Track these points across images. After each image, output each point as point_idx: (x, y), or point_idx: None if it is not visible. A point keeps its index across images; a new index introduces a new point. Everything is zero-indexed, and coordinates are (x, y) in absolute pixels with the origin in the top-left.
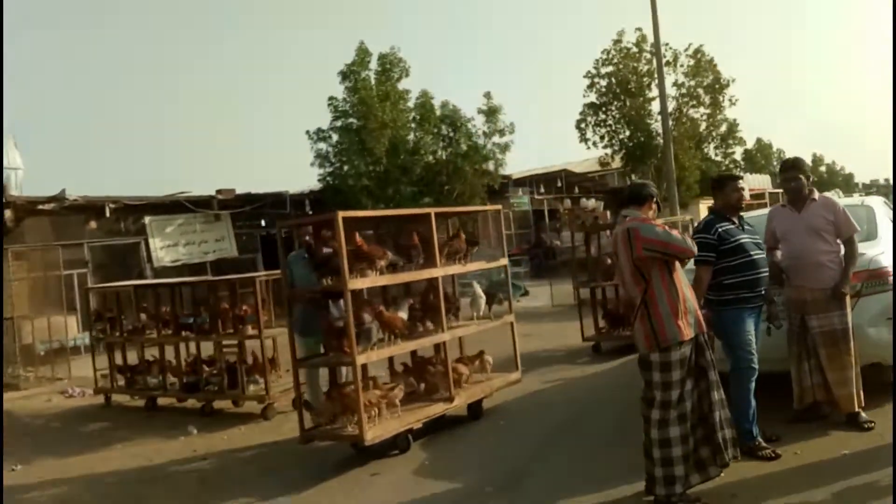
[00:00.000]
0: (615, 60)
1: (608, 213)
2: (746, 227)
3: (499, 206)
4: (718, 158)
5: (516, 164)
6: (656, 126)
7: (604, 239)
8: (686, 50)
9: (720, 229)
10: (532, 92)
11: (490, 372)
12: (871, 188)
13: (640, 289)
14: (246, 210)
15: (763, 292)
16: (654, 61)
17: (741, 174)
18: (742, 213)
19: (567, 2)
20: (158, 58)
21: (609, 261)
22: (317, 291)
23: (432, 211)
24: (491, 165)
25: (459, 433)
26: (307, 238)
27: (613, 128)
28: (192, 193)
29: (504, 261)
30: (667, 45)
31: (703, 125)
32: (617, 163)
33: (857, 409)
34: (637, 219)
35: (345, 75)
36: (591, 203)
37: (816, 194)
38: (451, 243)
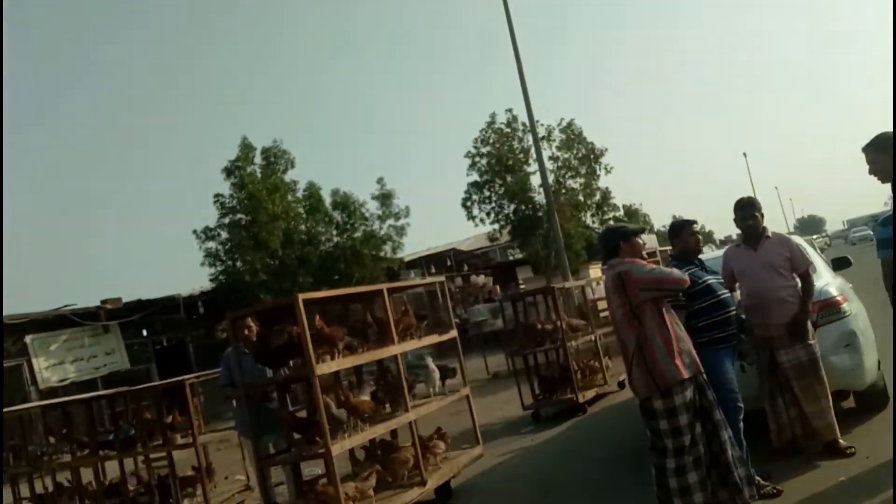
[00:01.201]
0: (491, 140)
1: (497, 287)
2: (708, 268)
3: (442, 278)
4: (595, 225)
5: (406, 247)
6: (539, 199)
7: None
8: (559, 124)
9: (687, 273)
10: (416, 176)
11: (447, 450)
12: (726, 243)
13: (635, 332)
14: (135, 319)
15: (734, 331)
16: (529, 138)
17: (694, 219)
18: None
19: (442, 86)
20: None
21: (539, 326)
22: (277, 382)
23: (385, 287)
24: (389, 248)
25: None
26: (246, 331)
27: (498, 203)
28: (76, 306)
29: (453, 332)
30: (538, 121)
31: (580, 194)
32: (506, 237)
33: (837, 438)
34: (623, 262)
35: (229, 171)
36: (480, 279)
37: (770, 232)
38: (402, 319)
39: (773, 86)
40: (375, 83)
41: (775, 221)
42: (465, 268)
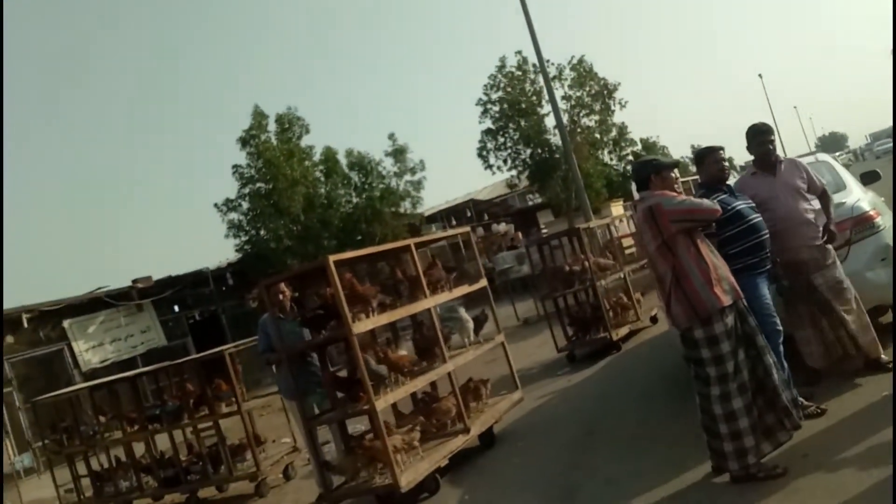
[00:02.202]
0: (503, 85)
1: (520, 234)
2: (738, 194)
3: (467, 229)
4: (614, 162)
5: (425, 201)
6: (555, 140)
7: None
8: (569, 62)
9: (715, 201)
10: (430, 130)
11: (489, 395)
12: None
13: (669, 265)
14: (167, 295)
15: (769, 255)
16: (540, 79)
17: (720, 145)
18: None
19: (448, 37)
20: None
21: (567, 268)
22: (318, 344)
23: (412, 241)
24: (408, 204)
25: (482, 464)
26: (280, 297)
27: (514, 149)
28: (109, 288)
29: (483, 281)
30: (548, 61)
31: (597, 132)
32: (524, 182)
33: (880, 353)
34: (654, 195)
35: (244, 141)
36: (502, 227)
37: (782, 156)
38: (431, 272)
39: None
40: (382, 38)
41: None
42: (486, 217)
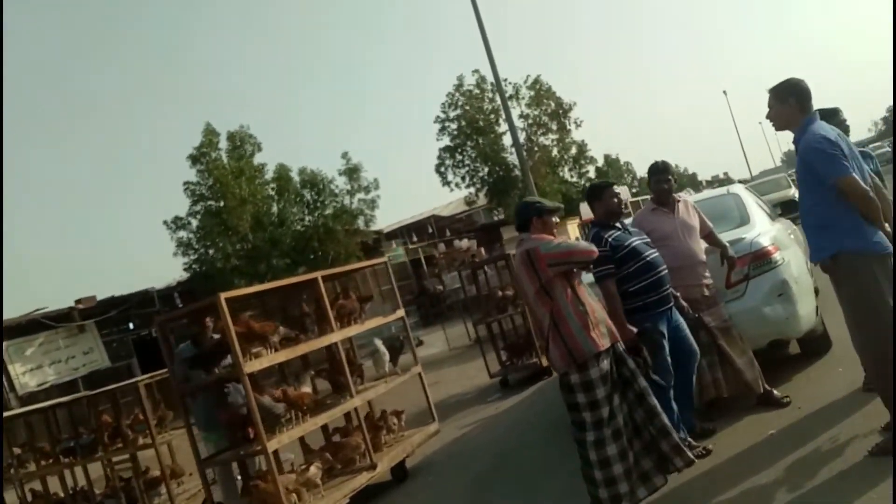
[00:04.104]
0: (460, 103)
1: (482, 249)
2: (632, 230)
3: (384, 259)
4: (574, 179)
5: (386, 217)
6: (512, 159)
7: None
8: (525, 82)
9: (610, 238)
10: (390, 146)
11: (403, 428)
12: (713, 183)
13: (548, 308)
14: (112, 315)
15: (668, 292)
16: (497, 98)
17: (613, 181)
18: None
19: (410, 53)
20: None
21: (500, 293)
22: (211, 383)
23: (319, 275)
24: (361, 223)
25: (388, 500)
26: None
27: (472, 167)
28: (49, 309)
29: (401, 312)
30: (506, 80)
31: (555, 150)
32: (482, 200)
33: (767, 388)
34: (531, 239)
35: (195, 159)
36: (464, 243)
37: (678, 197)
38: (343, 304)
39: (748, 20)
40: (337, 57)
41: (762, 157)
42: (448, 233)
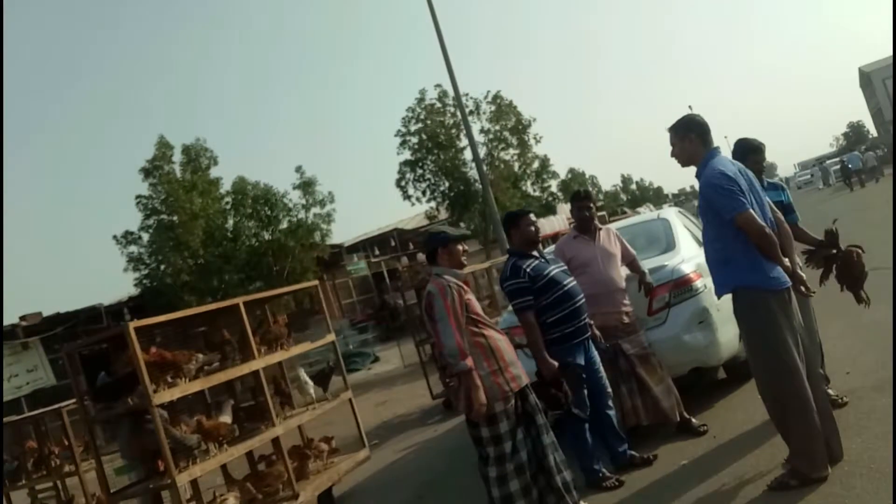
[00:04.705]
0: (422, 117)
1: None
2: (549, 258)
3: (315, 283)
4: (537, 193)
5: (349, 231)
6: (472, 173)
7: None
8: (486, 97)
9: (528, 269)
10: (356, 160)
11: (335, 454)
12: (679, 197)
13: None
14: (58, 332)
15: (585, 322)
16: (458, 113)
17: (530, 209)
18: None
19: (369, 66)
20: None
21: None
22: (122, 414)
23: (241, 300)
24: (318, 237)
25: None
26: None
27: (433, 181)
28: None
29: (331, 337)
30: (466, 94)
31: (517, 165)
32: (443, 214)
33: (686, 416)
34: (437, 280)
35: (147, 172)
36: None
37: (598, 223)
38: (269, 330)
39: (712, 36)
40: (300, 73)
41: None
42: (411, 246)
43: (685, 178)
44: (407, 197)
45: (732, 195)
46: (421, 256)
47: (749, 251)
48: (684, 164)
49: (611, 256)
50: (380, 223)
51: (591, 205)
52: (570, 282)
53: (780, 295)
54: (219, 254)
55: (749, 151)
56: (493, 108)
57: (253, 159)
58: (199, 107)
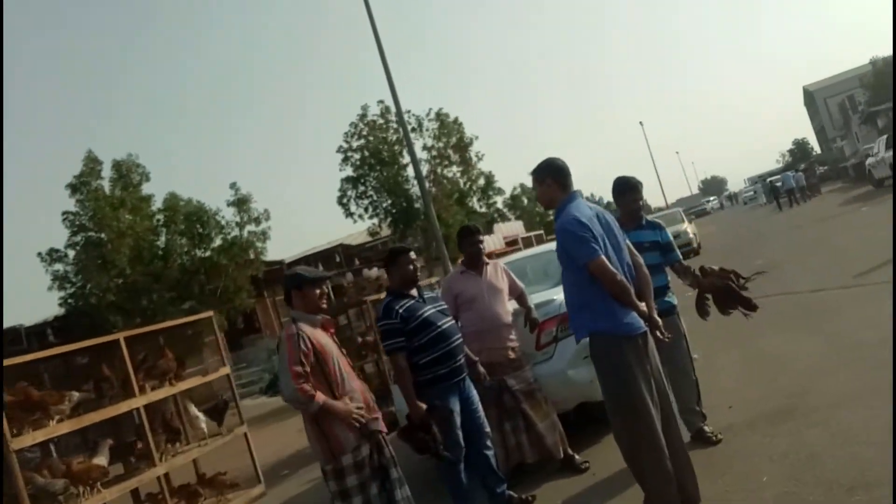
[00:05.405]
0: (364, 133)
1: None
2: (427, 296)
3: (210, 313)
4: (483, 210)
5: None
6: (415, 190)
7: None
8: (428, 115)
9: (401, 310)
10: (301, 174)
11: (231, 489)
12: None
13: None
14: None
15: (460, 364)
16: (401, 130)
17: (410, 246)
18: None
19: (311, 82)
20: None
21: (360, 339)
22: None
23: (121, 336)
24: (252, 255)
25: None
26: None
27: (375, 198)
28: None
29: (225, 370)
30: (409, 111)
31: (462, 182)
32: (385, 231)
33: (570, 453)
34: (288, 326)
35: (74, 188)
36: (373, 272)
37: (487, 259)
38: (156, 365)
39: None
40: (242, 88)
41: (678, 185)
42: (357, 262)
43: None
44: (349, 214)
45: (585, 242)
46: (367, 272)
47: (604, 297)
48: (545, 207)
49: (497, 291)
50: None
51: (481, 238)
52: (446, 322)
53: (633, 341)
54: (148, 272)
55: (625, 190)
56: (436, 125)
57: (191, 176)
58: (133, 122)
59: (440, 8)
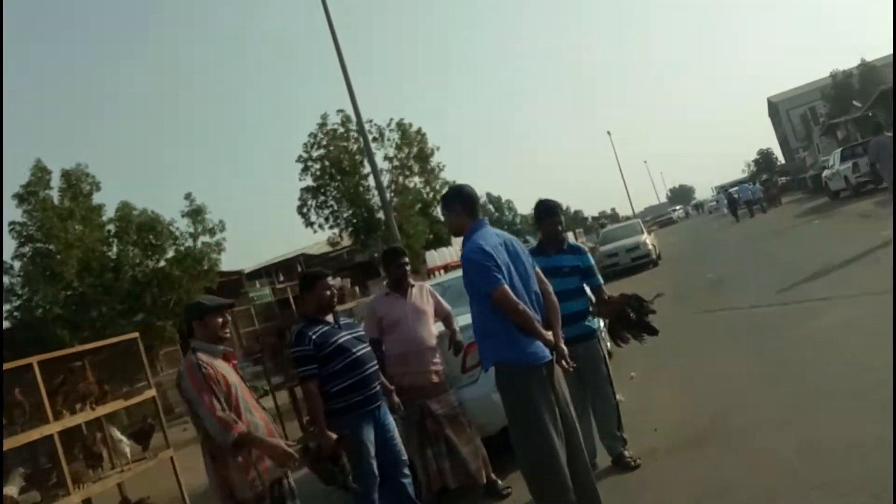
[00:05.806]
0: (324, 143)
1: (356, 288)
2: (343, 322)
3: (135, 335)
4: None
5: (253, 257)
6: (376, 200)
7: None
8: (389, 125)
9: (314, 336)
10: (259, 183)
11: None
12: (599, 220)
13: (204, 440)
14: None
15: (375, 391)
16: (361, 139)
17: (329, 272)
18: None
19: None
20: None
21: None
22: None
23: (35, 360)
24: (207, 266)
25: None
26: None
27: (335, 208)
28: None
29: (150, 392)
30: (370, 121)
31: (425, 192)
32: (346, 241)
33: (492, 478)
34: (188, 358)
35: (21, 198)
36: (337, 282)
37: (413, 281)
38: (75, 389)
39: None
40: (198, 96)
41: (646, 193)
42: None
43: (608, 202)
44: (309, 224)
45: (487, 271)
46: (331, 281)
47: (507, 326)
48: (454, 234)
49: (421, 314)
50: (287, 248)
51: (406, 260)
52: (361, 349)
53: (537, 370)
54: (98, 284)
55: (543, 215)
56: (398, 135)
57: (145, 186)
58: (84, 130)
59: (407, 12)
